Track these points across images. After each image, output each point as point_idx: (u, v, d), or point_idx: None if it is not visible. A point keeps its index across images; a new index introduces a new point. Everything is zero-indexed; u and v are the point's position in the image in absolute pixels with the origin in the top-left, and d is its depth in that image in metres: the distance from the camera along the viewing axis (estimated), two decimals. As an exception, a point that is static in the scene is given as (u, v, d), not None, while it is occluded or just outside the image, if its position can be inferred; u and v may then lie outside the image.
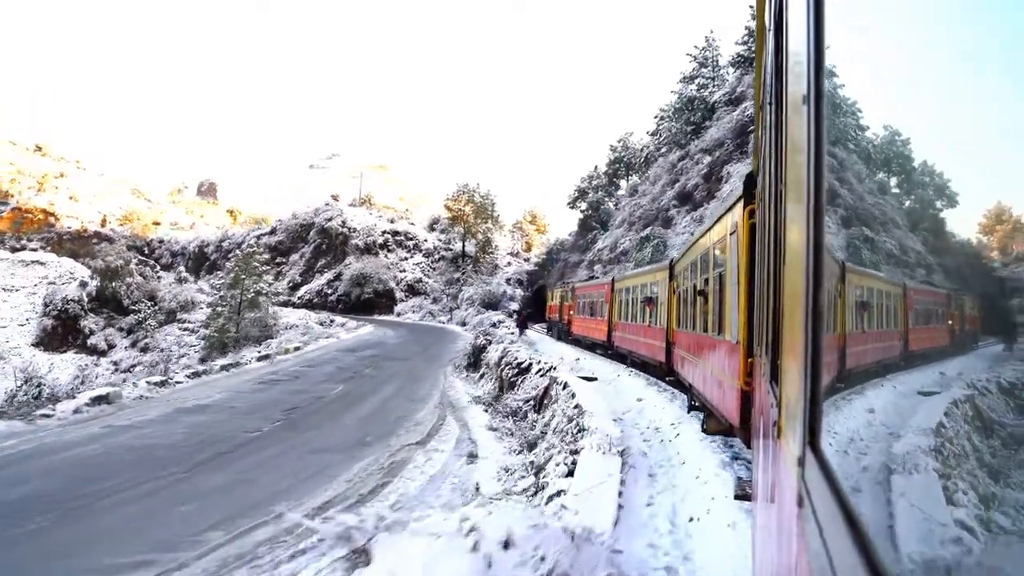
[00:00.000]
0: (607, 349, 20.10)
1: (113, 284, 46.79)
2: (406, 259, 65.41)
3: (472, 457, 9.63)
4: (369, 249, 64.99)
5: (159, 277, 53.94)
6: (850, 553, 0.66)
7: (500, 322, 35.06)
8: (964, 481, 0.77)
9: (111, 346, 44.24)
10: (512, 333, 27.08)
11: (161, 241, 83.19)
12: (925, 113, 0.86)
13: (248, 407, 13.26)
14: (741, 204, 6.20)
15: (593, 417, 8.36)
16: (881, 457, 0.97)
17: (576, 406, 9.22)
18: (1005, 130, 0.66)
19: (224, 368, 19.69)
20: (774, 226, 2.11)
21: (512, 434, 11.02)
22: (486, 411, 13.28)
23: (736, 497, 4.93)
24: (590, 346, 22.73)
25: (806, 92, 1.14)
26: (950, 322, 1.52)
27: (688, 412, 9.39)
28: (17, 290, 55.48)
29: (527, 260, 65.19)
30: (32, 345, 45.38)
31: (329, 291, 62.00)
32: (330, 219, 68.77)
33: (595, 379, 13.06)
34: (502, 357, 16.73)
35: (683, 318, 10.74)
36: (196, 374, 18.18)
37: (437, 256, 65.63)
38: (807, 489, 0.98)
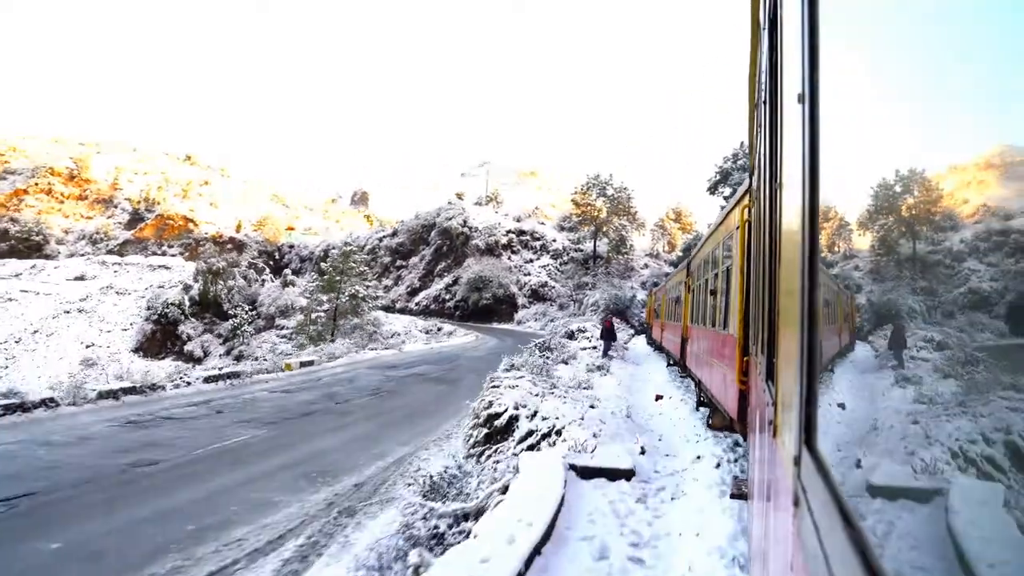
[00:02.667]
0: (659, 349, 20.91)
1: (215, 288, 44.23)
2: (531, 261, 59.00)
3: None
4: (491, 250, 59.25)
5: (263, 281, 49.86)
6: (847, 553, 0.66)
7: (580, 331, 26.80)
8: (961, 481, 0.77)
9: (207, 353, 42.24)
10: (595, 347, 20.64)
11: (291, 246, 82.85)
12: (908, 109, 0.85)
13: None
14: (747, 200, 6.18)
15: None
16: (877, 456, 0.97)
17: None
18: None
19: (110, 395, 13.81)
20: (769, 224, 2.11)
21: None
22: (416, 513, 5.83)
23: (732, 496, 4.92)
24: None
25: (801, 91, 1.13)
26: (847, 320, 1.61)
27: (696, 408, 9.57)
28: (129, 293, 52.87)
29: (667, 262, 56.06)
30: (132, 351, 43.69)
31: (447, 296, 57.53)
32: (451, 218, 63.48)
33: (630, 472, 6.10)
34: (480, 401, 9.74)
35: (695, 314, 11.12)
36: (22, 407, 11.91)
37: (566, 257, 58.83)
38: (803, 488, 0.97)
